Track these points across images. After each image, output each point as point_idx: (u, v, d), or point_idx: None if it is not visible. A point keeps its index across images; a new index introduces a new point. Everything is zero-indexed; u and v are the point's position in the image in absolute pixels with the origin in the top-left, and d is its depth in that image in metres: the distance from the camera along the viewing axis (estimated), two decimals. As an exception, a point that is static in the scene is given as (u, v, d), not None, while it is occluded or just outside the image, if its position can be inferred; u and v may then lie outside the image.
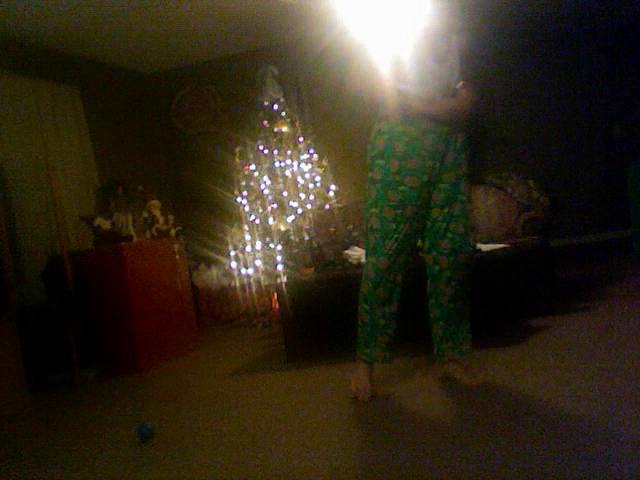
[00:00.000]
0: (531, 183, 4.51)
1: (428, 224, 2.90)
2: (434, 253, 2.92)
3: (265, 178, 5.68)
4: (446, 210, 2.85)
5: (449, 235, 2.86)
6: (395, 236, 2.82)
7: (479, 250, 3.86)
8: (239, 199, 5.71)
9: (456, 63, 2.83)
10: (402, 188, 2.77)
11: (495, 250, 3.86)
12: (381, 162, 2.81)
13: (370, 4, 2.94)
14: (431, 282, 2.99)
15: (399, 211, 2.79)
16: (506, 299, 4.06)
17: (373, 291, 2.90)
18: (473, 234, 2.99)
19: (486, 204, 4.56)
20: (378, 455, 2.36)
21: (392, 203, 2.79)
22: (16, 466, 2.94)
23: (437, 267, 2.93)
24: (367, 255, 2.93)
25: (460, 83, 2.85)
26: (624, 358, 3.00)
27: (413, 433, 2.52)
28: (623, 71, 6.28)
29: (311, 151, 5.92)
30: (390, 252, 2.83)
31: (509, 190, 4.52)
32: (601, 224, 6.36)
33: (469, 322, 3.04)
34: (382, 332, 2.94)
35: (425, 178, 2.79)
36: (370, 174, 2.86)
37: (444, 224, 2.86)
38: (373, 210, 2.85)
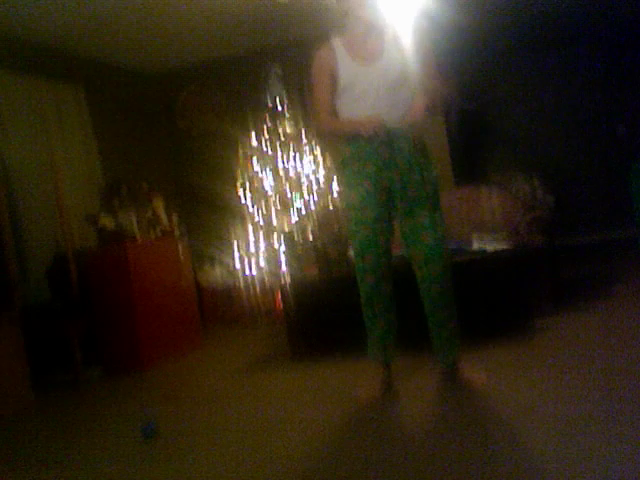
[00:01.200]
0: (535, 182, 4.51)
1: (402, 236, 3.01)
2: (412, 264, 2.99)
3: (269, 178, 5.67)
4: (412, 221, 2.92)
5: (419, 247, 2.93)
6: (358, 238, 2.96)
7: (484, 250, 3.86)
8: (243, 198, 5.70)
9: (413, 85, 2.90)
10: (360, 189, 2.91)
11: (499, 250, 3.86)
12: (346, 168, 2.98)
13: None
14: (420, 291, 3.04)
15: (359, 211, 2.93)
16: (511, 299, 4.05)
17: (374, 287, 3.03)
18: (447, 242, 3.03)
19: (490, 204, 4.55)
20: (380, 455, 2.36)
21: (353, 203, 2.95)
22: (19, 465, 2.95)
23: (418, 277, 2.99)
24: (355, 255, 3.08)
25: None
26: (629, 358, 2.99)
27: (415, 433, 2.52)
28: (627, 71, 6.27)
29: (315, 150, 5.91)
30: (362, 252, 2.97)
31: (513, 190, 4.51)
32: (606, 223, 6.35)
33: (453, 331, 3.02)
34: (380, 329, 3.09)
35: (383, 184, 2.89)
36: (340, 177, 3.14)
37: (412, 236, 2.94)
38: (348, 213, 3.03)
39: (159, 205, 5.30)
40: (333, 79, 2.91)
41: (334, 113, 2.98)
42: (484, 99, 6.43)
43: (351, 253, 4.26)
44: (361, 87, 2.87)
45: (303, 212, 5.54)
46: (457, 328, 3.04)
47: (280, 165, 5.71)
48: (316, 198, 5.75)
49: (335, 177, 3.12)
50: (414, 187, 2.89)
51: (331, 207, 5.63)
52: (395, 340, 3.11)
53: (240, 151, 5.80)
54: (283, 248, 5.42)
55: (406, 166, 2.88)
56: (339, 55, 2.92)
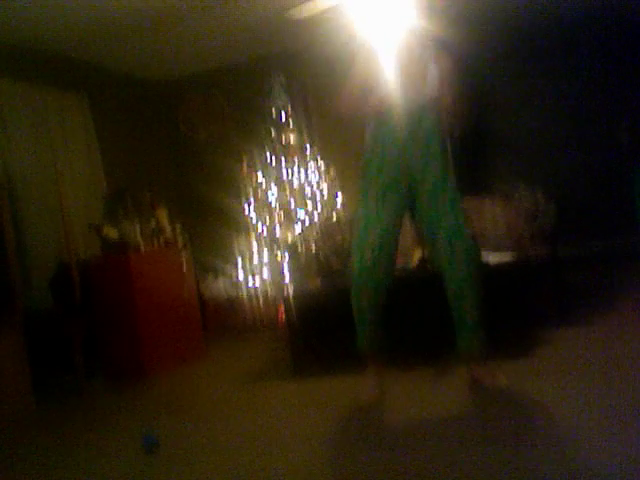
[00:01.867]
0: (538, 191, 4.50)
1: (424, 225, 3.02)
2: (434, 254, 2.99)
3: (272, 187, 5.67)
4: (434, 205, 2.94)
5: (441, 231, 2.91)
6: (376, 225, 2.99)
7: (486, 260, 3.84)
8: (246, 208, 5.71)
9: (433, 81, 2.97)
10: (382, 178, 2.98)
11: (503, 259, 3.84)
12: (367, 156, 3.10)
13: (377, 14, 2.98)
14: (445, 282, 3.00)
15: (380, 203, 2.99)
16: (513, 309, 4.03)
17: (363, 282, 3.07)
18: (474, 235, 3.03)
19: (493, 213, 4.54)
20: (384, 465, 2.34)
21: (374, 194, 3.01)
22: (19, 472, 2.94)
23: (443, 265, 2.95)
24: (354, 244, 3.11)
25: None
26: (633, 370, 2.96)
27: (417, 443, 2.50)
28: (629, 77, 6.26)
29: (318, 160, 5.91)
30: (375, 242, 2.98)
31: (516, 199, 4.51)
32: (609, 231, 6.32)
33: (478, 322, 2.97)
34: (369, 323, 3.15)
35: (404, 168, 2.95)
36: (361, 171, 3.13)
37: (436, 219, 2.93)
38: (360, 200, 3.10)
39: (163, 215, 5.30)
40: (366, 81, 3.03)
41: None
42: (485, 108, 6.43)
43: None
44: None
45: (307, 223, 5.54)
46: (483, 321, 2.96)
47: (284, 176, 5.71)
48: (320, 209, 5.75)
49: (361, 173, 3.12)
50: (434, 169, 2.95)
51: (335, 218, 5.62)
52: (386, 333, 3.13)
53: (244, 161, 5.81)
54: (286, 259, 5.41)
55: (426, 146, 2.94)
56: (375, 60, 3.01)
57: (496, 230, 4.48)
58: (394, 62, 2.94)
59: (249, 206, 5.71)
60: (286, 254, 5.45)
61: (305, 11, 3.97)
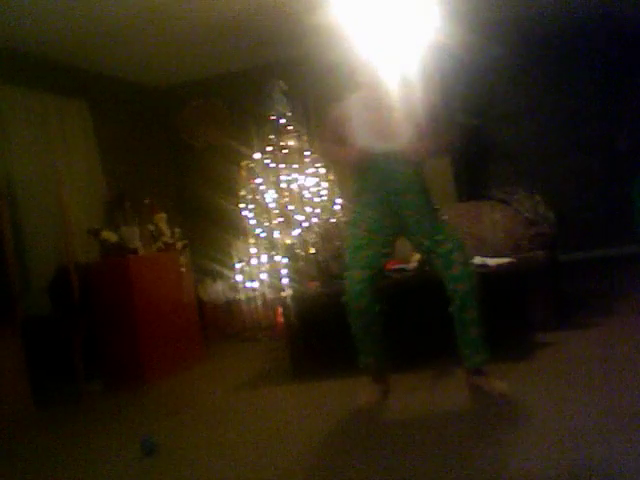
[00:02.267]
0: (537, 198, 4.51)
1: (422, 253, 3.25)
2: (439, 274, 3.08)
3: (271, 192, 5.68)
4: (424, 233, 3.08)
5: (439, 253, 3.04)
6: (365, 250, 3.11)
7: (485, 265, 3.86)
8: (245, 212, 5.72)
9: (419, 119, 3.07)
10: (367, 214, 3.13)
11: (502, 265, 3.85)
12: (355, 193, 3.22)
13: (377, 22, 3.00)
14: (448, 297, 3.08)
15: (367, 233, 3.11)
16: (513, 314, 4.04)
17: (353, 304, 3.15)
18: (465, 250, 3.12)
19: (492, 219, 4.55)
20: (383, 466, 2.34)
21: (361, 226, 3.15)
22: (19, 475, 2.94)
23: (446, 282, 3.04)
24: (347, 270, 3.19)
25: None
26: (631, 375, 2.97)
27: (417, 443, 2.51)
28: (628, 85, 6.28)
29: (317, 165, 5.92)
30: (364, 263, 3.10)
31: (515, 205, 4.52)
32: (608, 239, 6.34)
33: (480, 332, 3.02)
34: (362, 341, 3.18)
35: (384, 209, 3.09)
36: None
37: (431, 247, 3.07)
38: (349, 229, 3.25)
39: (161, 219, 5.31)
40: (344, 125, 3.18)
41: (340, 141, 3.20)
42: (485, 115, 6.45)
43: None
44: (364, 117, 3.11)
45: (305, 226, 5.55)
46: (484, 331, 3.03)
47: (283, 178, 5.72)
48: (318, 212, 5.77)
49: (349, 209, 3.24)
50: (415, 204, 3.09)
51: (333, 221, 5.63)
52: (386, 351, 3.19)
53: (243, 165, 5.82)
54: (285, 262, 5.42)
55: (404, 188, 3.09)
56: (354, 111, 3.17)
57: (495, 235, 4.49)
58: (373, 110, 3.10)
59: (248, 210, 5.72)
60: (285, 258, 5.46)
61: None
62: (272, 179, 5.72)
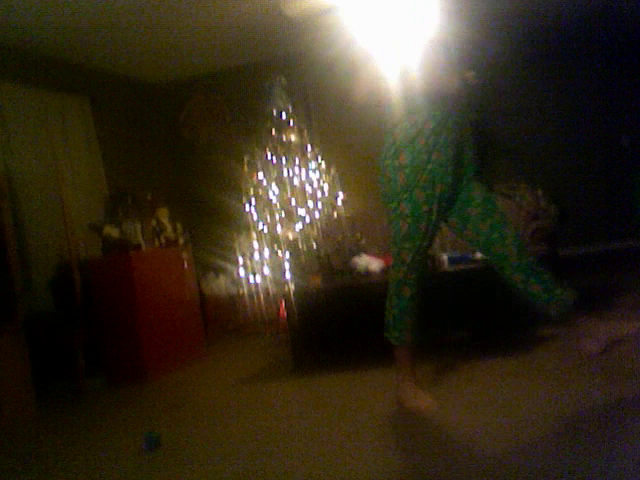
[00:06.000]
0: (539, 192, 4.51)
1: (468, 219, 2.95)
2: (486, 243, 2.93)
3: (273, 187, 5.68)
4: (477, 197, 2.94)
5: (489, 220, 2.90)
6: (426, 218, 2.85)
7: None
8: (247, 207, 5.72)
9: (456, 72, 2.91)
10: (430, 167, 2.83)
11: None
12: (410, 145, 2.84)
13: (377, 16, 2.98)
14: (495, 256, 2.94)
15: (429, 192, 2.83)
16: (514, 308, 4.04)
17: (408, 275, 2.92)
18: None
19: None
20: (384, 464, 2.35)
21: (423, 184, 2.83)
22: (21, 474, 2.95)
23: (497, 249, 2.91)
24: (399, 242, 2.91)
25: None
26: (632, 368, 2.97)
27: (417, 444, 2.51)
28: (631, 81, 6.26)
29: (319, 160, 5.92)
30: (427, 235, 2.88)
31: (517, 199, 4.51)
32: (609, 234, 6.32)
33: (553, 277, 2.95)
34: (411, 314, 2.95)
35: (451, 153, 2.86)
36: (396, 162, 2.86)
37: (479, 212, 2.92)
38: (402, 194, 2.86)
39: (163, 214, 5.32)
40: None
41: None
42: (488, 109, 6.43)
43: (358, 261, 4.29)
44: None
45: (307, 221, 5.54)
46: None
47: (284, 174, 5.72)
48: (320, 207, 5.76)
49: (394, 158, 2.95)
50: (468, 161, 2.96)
51: (335, 216, 5.63)
52: (418, 324, 2.99)
53: (245, 160, 5.82)
54: (287, 257, 5.42)
55: (460, 140, 2.91)
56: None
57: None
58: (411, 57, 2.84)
59: (250, 205, 5.72)
60: (287, 253, 5.46)
61: (298, 9, 3.93)
62: (274, 174, 5.72)
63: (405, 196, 2.86)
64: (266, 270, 5.59)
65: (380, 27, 2.97)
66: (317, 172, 5.88)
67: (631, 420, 2.35)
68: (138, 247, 4.80)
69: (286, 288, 4.42)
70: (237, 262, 5.75)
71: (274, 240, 5.62)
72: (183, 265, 5.22)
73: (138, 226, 4.97)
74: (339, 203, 5.92)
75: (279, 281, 5.39)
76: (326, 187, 5.91)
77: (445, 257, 4.02)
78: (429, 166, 2.83)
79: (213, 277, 6.38)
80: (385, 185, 2.93)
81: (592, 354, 2.97)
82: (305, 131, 5.92)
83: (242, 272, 5.72)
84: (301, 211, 5.61)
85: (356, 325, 4.25)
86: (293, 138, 5.76)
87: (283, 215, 5.65)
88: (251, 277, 5.68)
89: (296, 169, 5.74)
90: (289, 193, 5.69)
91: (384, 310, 3.01)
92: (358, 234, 4.79)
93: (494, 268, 2.97)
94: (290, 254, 5.40)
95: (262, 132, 5.79)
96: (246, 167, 5.81)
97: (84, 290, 4.63)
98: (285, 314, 4.50)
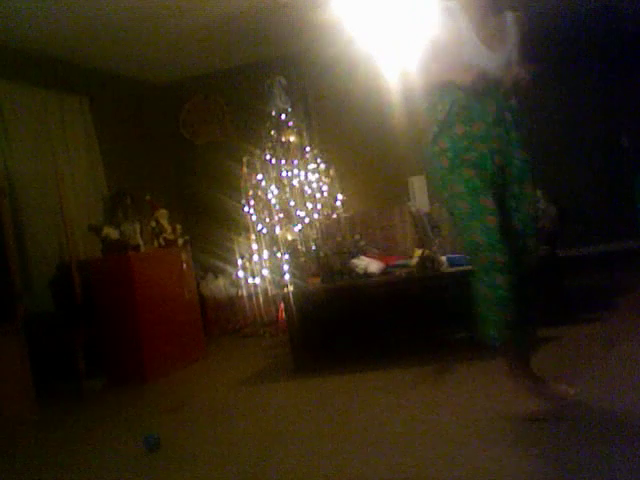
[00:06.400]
0: (539, 193, 4.50)
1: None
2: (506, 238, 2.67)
3: (272, 187, 5.68)
4: (517, 187, 2.70)
5: (519, 216, 2.71)
6: (485, 192, 2.61)
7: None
8: (246, 208, 5.72)
9: (512, 50, 2.77)
10: (473, 153, 2.65)
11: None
12: (447, 131, 2.70)
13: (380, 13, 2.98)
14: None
15: (479, 170, 2.64)
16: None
17: (491, 257, 2.59)
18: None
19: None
20: (384, 464, 2.35)
21: (469, 162, 2.65)
22: (21, 474, 2.95)
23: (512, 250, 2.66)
24: (466, 222, 2.66)
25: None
26: (633, 369, 2.98)
27: (417, 445, 2.51)
28: (631, 82, 6.26)
29: (318, 160, 5.92)
30: (492, 208, 2.60)
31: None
32: (609, 235, 6.32)
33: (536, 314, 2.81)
34: (505, 305, 2.65)
35: (494, 146, 2.66)
36: (436, 147, 2.72)
37: (513, 202, 2.70)
38: (450, 177, 2.69)
39: (163, 215, 5.31)
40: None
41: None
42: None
43: (358, 262, 4.28)
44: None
45: (306, 222, 5.54)
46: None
47: (283, 174, 5.72)
48: (319, 208, 5.76)
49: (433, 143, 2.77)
50: (518, 151, 2.72)
51: (334, 216, 5.63)
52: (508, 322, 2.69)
53: (244, 161, 5.82)
54: (286, 258, 5.42)
55: (511, 126, 2.71)
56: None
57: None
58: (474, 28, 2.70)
59: (249, 206, 5.72)
60: (286, 254, 5.46)
61: None
62: (273, 175, 5.72)
63: (452, 177, 2.68)
64: (265, 271, 5.58)
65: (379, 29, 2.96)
66: (316, 173, 5.88)
67: None
68: (137, 248, 4.80)
69: (285, 289, 4.42)
70: (236, 263, 5.75)
71: (273, 241, 5.62)
72: (182, 266, 5.22)
73: (137, 227, 4.96)
74: (338, 204, 5.92)
75: (278, 282, 5.39)
76: (325, 188, 5.92)
77: (444, 258, 4.01)
78: (472, 152, 2.65)
79: (212, 278, 6.38)
80: (433, 174, 2.77)
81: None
82: (304, 132, 5.92)
83: (241, 273, 5.72)
84: (300, 212, 5.61)
85: (356, 326, 4.25)
86: (292, 139, 5.76)
87: (282, 216, 5.65)
88: (250, 278, 5.68)
89: (295, 170, 5.74)
90: (288, 194, 5.69)
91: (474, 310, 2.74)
92: (357, 235, 4.78)
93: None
94: (289, 255, 5.40)
95: (261, 132, 5.79)
96: (245, 168, 5.81)
97: (84, 290, 4.62)
98: (284, 315, 4.49)
